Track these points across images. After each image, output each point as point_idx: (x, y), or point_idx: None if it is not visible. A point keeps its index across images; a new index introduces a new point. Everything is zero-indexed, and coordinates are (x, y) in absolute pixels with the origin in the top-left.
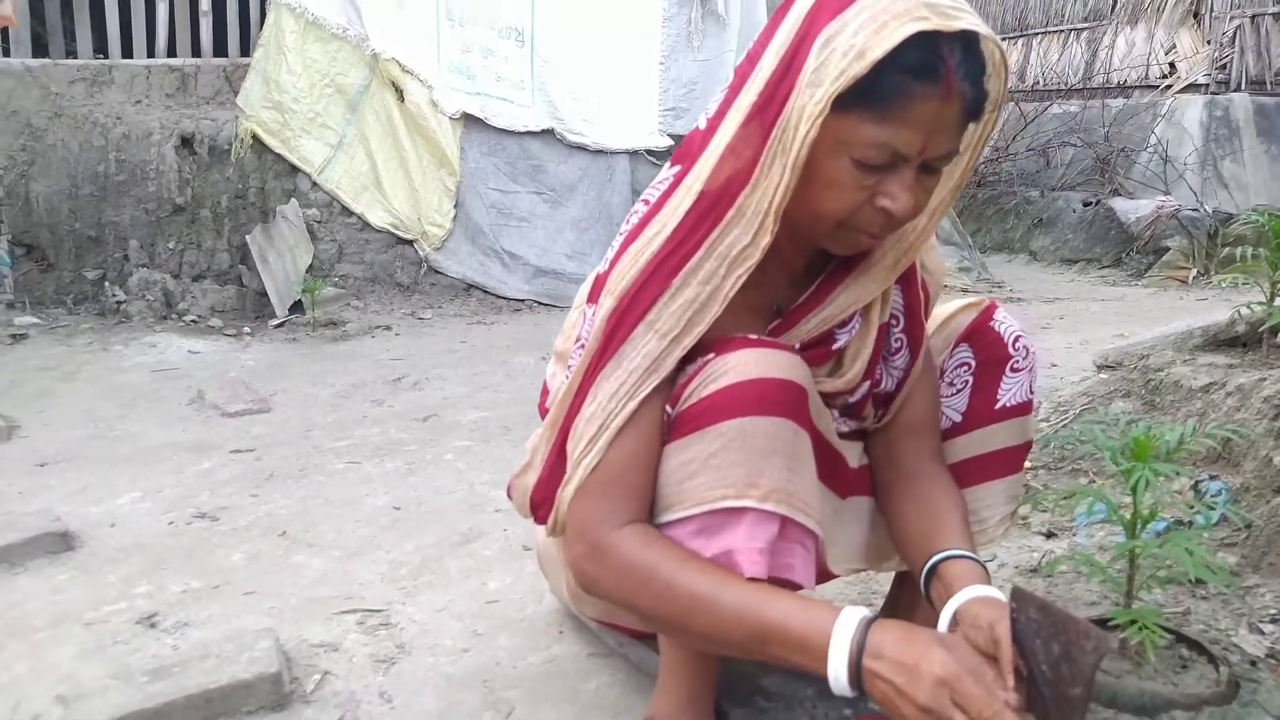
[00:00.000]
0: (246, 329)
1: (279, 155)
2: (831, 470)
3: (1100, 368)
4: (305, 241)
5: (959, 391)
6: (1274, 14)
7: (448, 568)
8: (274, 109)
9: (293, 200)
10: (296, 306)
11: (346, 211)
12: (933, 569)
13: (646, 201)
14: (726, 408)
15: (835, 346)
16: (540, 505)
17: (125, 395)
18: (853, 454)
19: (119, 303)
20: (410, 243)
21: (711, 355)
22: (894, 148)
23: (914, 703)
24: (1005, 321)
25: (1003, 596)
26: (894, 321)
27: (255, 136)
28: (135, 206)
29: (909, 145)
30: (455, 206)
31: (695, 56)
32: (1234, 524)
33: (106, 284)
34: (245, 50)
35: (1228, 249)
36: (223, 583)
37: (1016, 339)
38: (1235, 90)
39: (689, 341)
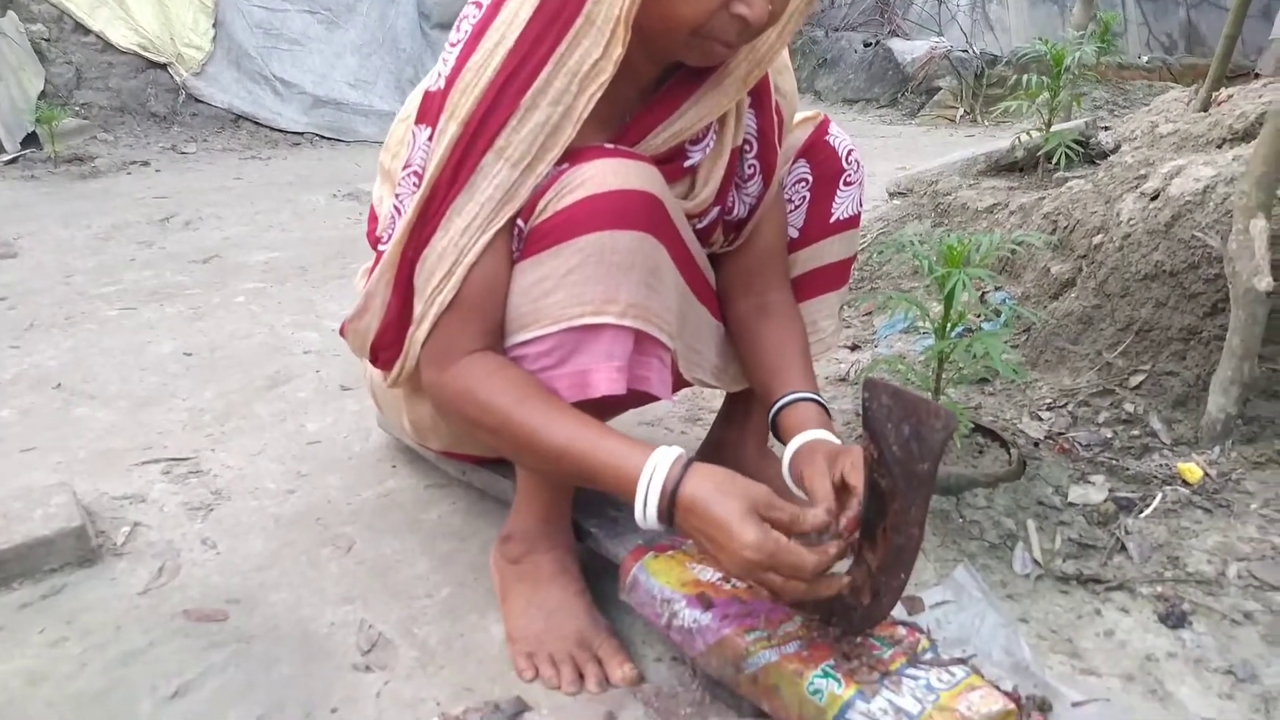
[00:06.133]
0: None
1: None
2: (703, 285)
3: (892, 195)
4: (33, 63)
5: (797, 207)
6: None
7: (258, 412)
8: None
9: (10, 12)
10: (30, 140)
11: (82, 29)
12: (779, 410)
13: (478, 4)
14: (584, 222)
15: (688, 164)
16: (385, 349)
17: None
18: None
19: None
20: (163, 67)
21: (565, 165)
22: None
23: (733, 561)
24: (838, 135)
25: (834, 437)
26: (747, 147)
27: None
28: None
29: None
30: (214, 25)
31: None
32: (1014, 327)
33: None
34: None
35: (993, 89)
36: None
37: (849, 153)
38: None
39: (543, 169)
